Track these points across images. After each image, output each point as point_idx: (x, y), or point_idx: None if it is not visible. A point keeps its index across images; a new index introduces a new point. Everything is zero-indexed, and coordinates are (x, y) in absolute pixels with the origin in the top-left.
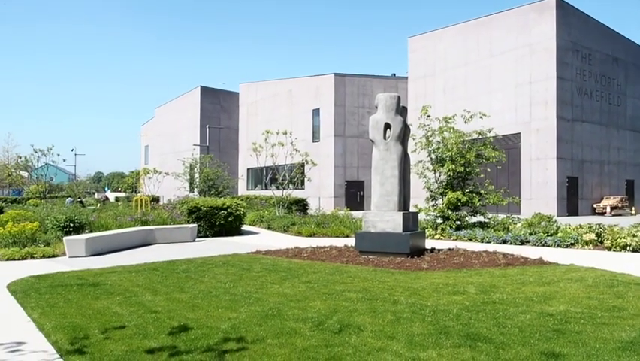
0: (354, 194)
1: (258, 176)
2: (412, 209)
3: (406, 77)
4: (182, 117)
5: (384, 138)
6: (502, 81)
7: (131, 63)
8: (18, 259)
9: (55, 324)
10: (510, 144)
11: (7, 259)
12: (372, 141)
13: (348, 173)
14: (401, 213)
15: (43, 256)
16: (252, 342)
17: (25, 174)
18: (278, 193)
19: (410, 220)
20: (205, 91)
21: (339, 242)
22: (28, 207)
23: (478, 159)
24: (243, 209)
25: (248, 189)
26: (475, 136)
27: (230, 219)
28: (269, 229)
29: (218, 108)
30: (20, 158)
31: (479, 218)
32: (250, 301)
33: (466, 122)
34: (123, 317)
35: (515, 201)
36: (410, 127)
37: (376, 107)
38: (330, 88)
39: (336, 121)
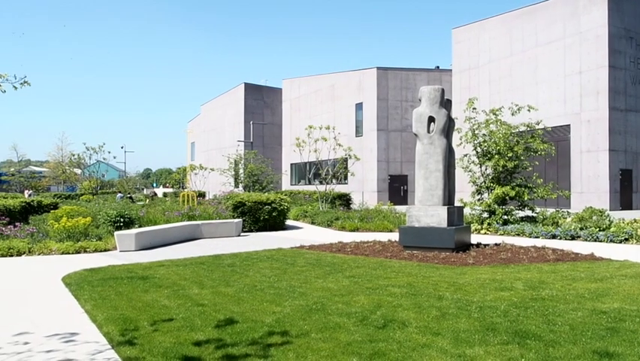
0: (397, 188)
1: (302, 171)
2: (456, 203)
3: (450, 70)
4: (226, 114)
5: (428, 131)
6: (549, 71)
7: (178, 61)
8: (72, 253)
9: (107, 316)
10: (559, 136)
11: (62, 253)
12: (415, 135)
13: (392, 167)
14: (446, 207)
15: (96, 250)
16: (296, 336)
17: (79, 171)
18: (321, 188)
19: (455, 215)
20: (249, 87)
21: (383, 237)
22: (81, 203)
23: (526, 152)
24: (286, 204)
25: (291, 185)
26: (522, 129)
27: (274, 214)
28: (312, 223)
29: (262, 104)
30: (74, 155)
31: (527, 212)
32: (294, 296)
33: (513, 114)
34: (171, 310)
35: (565, 195)
36: (455, 120)
37: (420, 100)
38: (373, 82)
39: (379, 115)
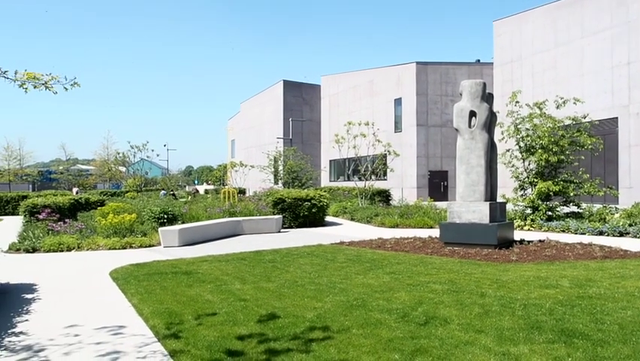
0: (437, 184)
1: (341, 167)
2: (499, 199)
3: (491, 63)
4: (265, 111)
5: (470, 126)
6: (595, 63)
7: (219, 60)
8: (118, 249)
9: (153, 310)
10: (606, 130)
11: (109, 248)
12: (456, 130)
13: (432, 163)
14: (488, 203)
15: (141, 246)
16: (337, 332)
17: (123, 169)
18: (360, 184)
19: (497, 211)
20: (288, 84)
21: (423, 233)
22: (126, 200)
23: (572, 146)
24: (326, 200)
25: (330, 181)
26: (567, 122)
27: (313, 210)
28: (352, 220)
29: (301, 101)
30: (119, 154)
31: (572, 208)
32: (335, 292)
33: (558, 107)
34: (214, 305)
35: (614, 194)
36: (497, 114)
37: (460, 94)
38: (412, 77)
39: (418, 110)
